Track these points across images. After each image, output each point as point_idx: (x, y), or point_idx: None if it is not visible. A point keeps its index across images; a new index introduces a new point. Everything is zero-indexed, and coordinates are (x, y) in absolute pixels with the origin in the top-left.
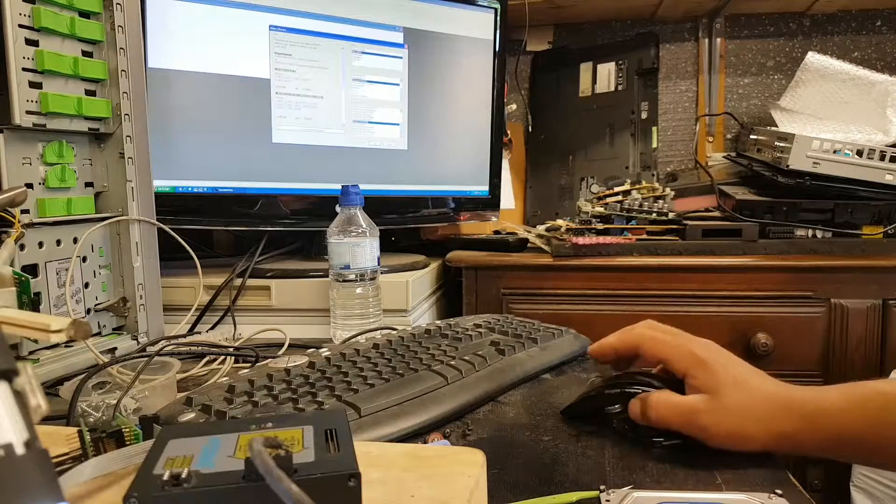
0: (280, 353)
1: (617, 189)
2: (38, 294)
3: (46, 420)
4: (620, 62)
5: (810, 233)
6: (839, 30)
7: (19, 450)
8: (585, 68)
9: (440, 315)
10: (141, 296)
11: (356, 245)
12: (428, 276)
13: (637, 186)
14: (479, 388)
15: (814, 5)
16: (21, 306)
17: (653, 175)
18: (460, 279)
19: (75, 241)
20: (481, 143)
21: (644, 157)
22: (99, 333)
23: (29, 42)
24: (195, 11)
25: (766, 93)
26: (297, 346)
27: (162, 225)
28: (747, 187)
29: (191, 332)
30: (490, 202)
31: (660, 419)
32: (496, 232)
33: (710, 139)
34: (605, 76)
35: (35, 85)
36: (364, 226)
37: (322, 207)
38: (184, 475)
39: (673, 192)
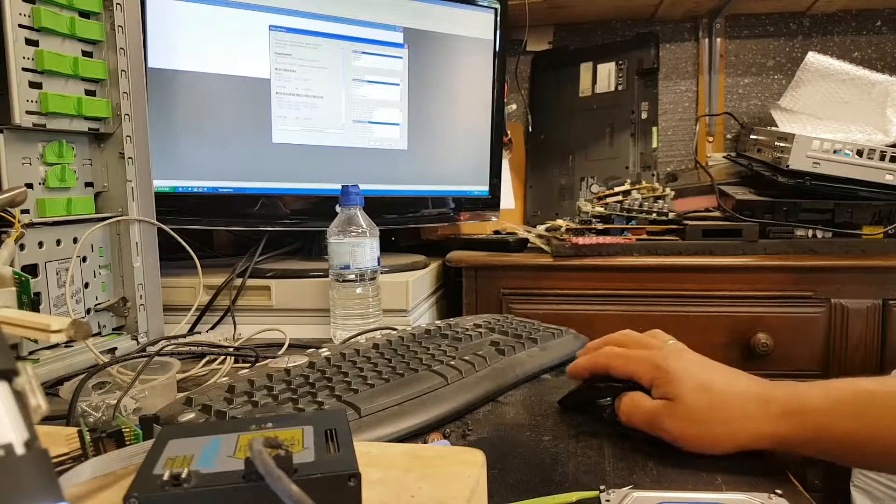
0: (280, 353)
1: (617, 189)
2: (38, 294)
3: (46, 420)
4: (620, 62)
5: (810, 233)
6: (839, 30)
7: (19, 450)
8: (585, 68)
9: (440, 315)
10: (141, 296)
11: (356, 245)
12: (428, 277)
13: (637, 186)
14: (479, 388)
15: (814, 5)
16: (21, 306)
17: (653, 175)
18: (460, 279)
19: (75, 241)
20: (481, 143)
21: (644, 157)
22: (99, 333)
23: (29, 42)
24: (195, 11)
25: (766, 93)
26: (297, 347)
27: (162, 225)
28: (747, 187)
29: (191, 332)
30: (490, 202)
31: (628, 420)
32: (496, 232)
33: (710, 139)
34: (605, 76)
35: (35, 85)
36: (364, 226)
37: (322, 207)
38: (184, 475)
39: (673, 192)
